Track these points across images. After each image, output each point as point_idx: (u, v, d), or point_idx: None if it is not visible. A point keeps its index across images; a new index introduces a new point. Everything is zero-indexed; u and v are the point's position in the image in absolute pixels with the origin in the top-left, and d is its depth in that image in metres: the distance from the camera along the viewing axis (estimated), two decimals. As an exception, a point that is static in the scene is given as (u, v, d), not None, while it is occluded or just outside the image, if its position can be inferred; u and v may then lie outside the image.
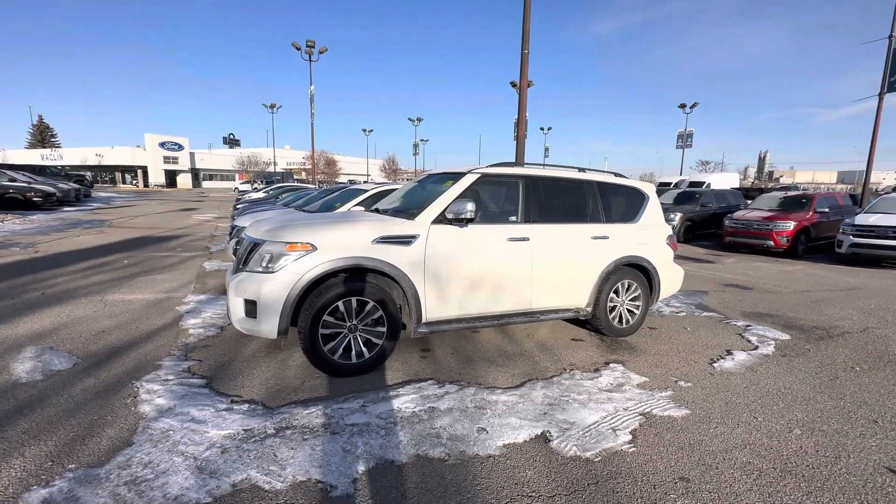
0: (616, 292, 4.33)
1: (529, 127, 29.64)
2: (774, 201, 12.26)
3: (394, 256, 3.25)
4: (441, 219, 3.46)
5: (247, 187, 47.04)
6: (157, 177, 60.12)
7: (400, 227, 3.33)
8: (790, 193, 12.94)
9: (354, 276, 3.20)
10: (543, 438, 2.48)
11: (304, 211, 6.41)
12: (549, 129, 49.95)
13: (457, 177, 3.74)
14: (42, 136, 66.38)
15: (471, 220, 3.40)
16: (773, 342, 4.35)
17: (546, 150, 49.62)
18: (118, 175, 62.05)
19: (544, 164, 4.21)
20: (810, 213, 11.14)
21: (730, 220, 11.69)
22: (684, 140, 38.54)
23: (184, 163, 63.09)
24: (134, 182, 60.97)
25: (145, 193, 40.97)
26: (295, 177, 49.37)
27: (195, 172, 66.87)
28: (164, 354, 3.48)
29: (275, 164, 44.87)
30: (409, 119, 47.38)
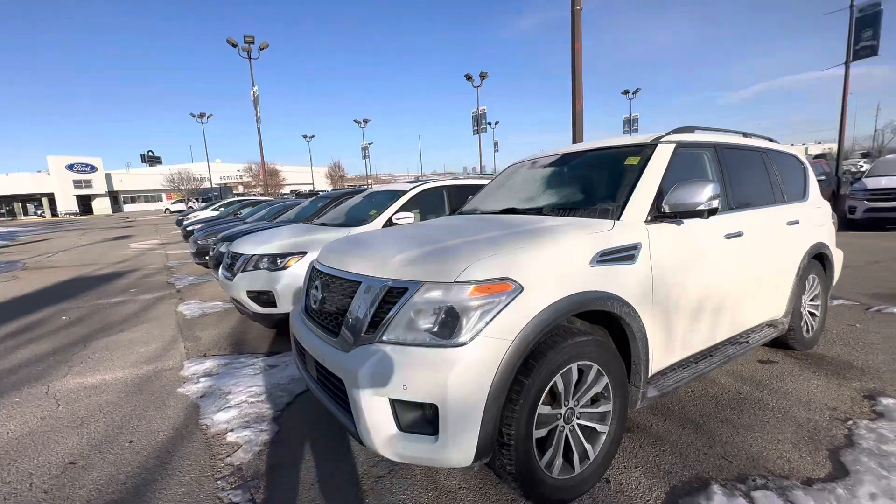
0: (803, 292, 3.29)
1: (474, 124, 28.92)
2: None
3: (619, 283, 1.93)
4: (655, 215, 2.18)
5: (181, 207, 42.47)
6: (67, 204, 53.15)
7: (614, 233, 2.00)
8: None
9: (571, 326, 1.84)
10: None
11: (325, 225, 4.81)
12: (497, 123, 49.63)
13: (640, 150, 2.47)
14: (-88, 168, 56.26)
15: (713, 212, 2.15)
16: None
17: (496, 144, 49.20)
18: (17, 206, 54.08)
19: (715, 129, 3.04)
20: None
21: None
22: (630, 125, 39.73)
23: (99, 186, 56.30)
24: (40, 212, 53.39)
25: (57, 224, 35.64)
26: (234, 191, 45.34)
27: (113, 195, 60.05)
28: (213, 506, 1.90)
29: (210, 179, 40.66)
30: (356, 121, 44.97)
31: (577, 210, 2.31)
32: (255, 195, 36.85)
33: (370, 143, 47.77)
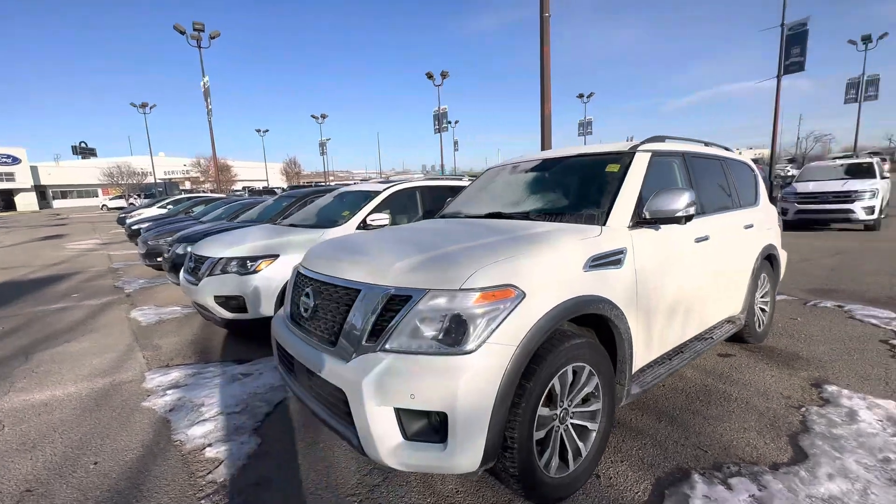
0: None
1: (435, 123, 29.11)
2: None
3: (609, 286, 2.01)
4: (637, 220, 2.30)
5: (121, 203, 39.45)
6: (-16, 199, 48.00)
7: (602, 239, 2.09)
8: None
9: (566, 329, 1.90)
10: None
11: (295, 226, 4.65)
12: (457, 122, 50.02)
13: (619, 158, 2.58)
14: None
15: (690, 218, 2.28)
16: (899, 323, 3.97)
17: (455, 143, 49.57)
18: (-78, 201, 48.32)
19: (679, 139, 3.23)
20: None
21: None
22: (585, 128, 41.22)
23: (23, 179, 51.38)
24: (-50, 208, 47.97)
25: (-28, 221, 32.08)
26: (180, 187, 42.71)
27: (40, 190, 54.92)
28: (200, 527, 1.80)
29: (154, 174, 38.06)
30: (313, 116, 43.67)
31: (564, 216, 2.39)
32: (203, 191, 34.93)
33: (328, 139, 46.66)
